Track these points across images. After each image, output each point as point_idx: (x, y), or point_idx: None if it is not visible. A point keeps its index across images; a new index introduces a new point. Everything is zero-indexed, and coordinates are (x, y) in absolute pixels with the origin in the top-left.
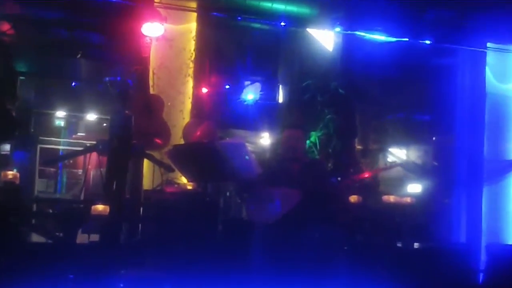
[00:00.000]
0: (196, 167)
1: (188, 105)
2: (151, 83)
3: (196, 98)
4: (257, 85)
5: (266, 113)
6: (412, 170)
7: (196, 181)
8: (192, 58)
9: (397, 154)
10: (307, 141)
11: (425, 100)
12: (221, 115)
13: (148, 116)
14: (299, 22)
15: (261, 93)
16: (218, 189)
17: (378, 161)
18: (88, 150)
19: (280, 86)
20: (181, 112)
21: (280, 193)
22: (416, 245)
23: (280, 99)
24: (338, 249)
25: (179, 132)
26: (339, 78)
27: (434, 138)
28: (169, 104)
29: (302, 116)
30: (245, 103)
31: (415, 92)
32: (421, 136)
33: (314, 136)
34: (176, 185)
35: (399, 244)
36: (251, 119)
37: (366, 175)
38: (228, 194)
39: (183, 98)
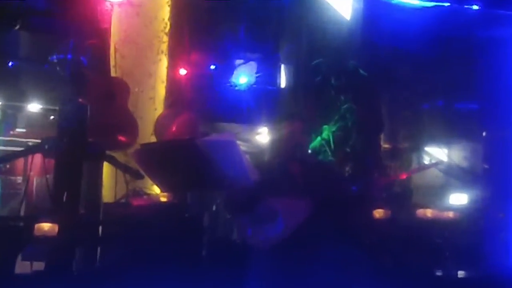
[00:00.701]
0: (172, 172)
1: (161, 91)
2: (112, 62)
3: (172, 82)
4: (253, 65)
5: (264, 102)
6: (456, 176)
7: (172, 191)
8: (167, 30)
9: (436, 154)
10: (318, 138)
11: (472, 83)
12: (205, 104)
13: (108, 106)
14: None
15: (257, 75)
16: (201, 202)
17: (411, 163)
18: (30, 150)
19: (283, 66)
20: (152, 100)
21: (283, 206)
22: (461, 273)
23: (282, 83)
24: (359, 279)
25: (150, 126)
26: (359, 56)
27: (484, 134)
28: (136, 90)
29: (310, 106)
30: (237, 88)
31: (459, 73)
32: (467, 131)
33: (326, 131)
34: (145, 197)
35: (438, 273)
36: (244, 110)
37: (395, 179)
38: (214, 208)
39: (155, 82)
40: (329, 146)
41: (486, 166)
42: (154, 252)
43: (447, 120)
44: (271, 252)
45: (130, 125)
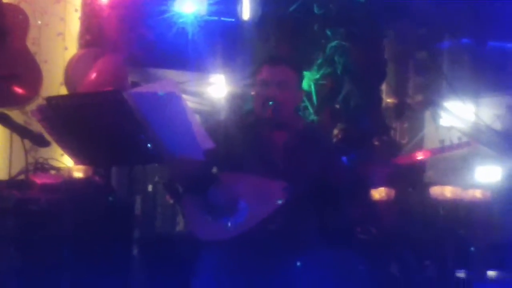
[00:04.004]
0: (91, 137)
1: (74, 23)
2: None
3: (89, 11)
4: None
5: (219, 40)
6: (485, 141)
7: (90, 164)
8: None
9: (460, 113)
10: None
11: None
12: (136, 42)
13: None
14: None
15: (210, 2)
16: (132, 180)
17: (424, 125)
18: None
19: None
20: (61, 36)
21: (248, 187)
22: (491, 274)
23: (246, 14)
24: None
25: (59, 73)
26: None
27: None
28: (39, 23)
29: (285, 46)
30: (181, 21)
31: None
32: (502, 79)
33: (307, 80)
34: (53, 172)
35: (460, 274)
36: (191, 51)
37: (406, 161)
38: (150, 189)
39: (65, 10)
40: (311, 100)
41: None
42: (67, 248)
43: (476, 64)
44: (229, 251)
45: (29, 72)
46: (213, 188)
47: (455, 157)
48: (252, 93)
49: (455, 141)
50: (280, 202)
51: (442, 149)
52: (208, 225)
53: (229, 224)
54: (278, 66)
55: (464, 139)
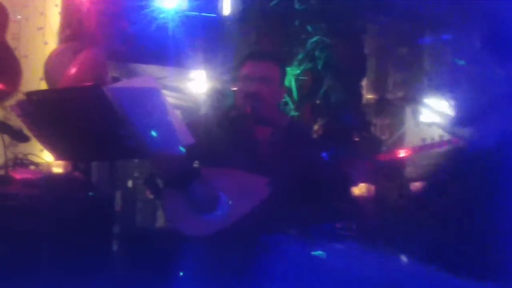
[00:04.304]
0: (71, 132)
1: (54, 18)
2: None
3: (69, 6)
4: None
5: (200, 35)
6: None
7: (70, 159)
8: None
9: (439, 108)
10: None
11: (499, 10)
12: (117, 37)
13: None
14: None
15: None
16: (112, 175)
17: (405, 121)
18: None
19: None
20: (41, 31)
21: (229, 182)
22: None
23: (226, 9)
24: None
25: (39, 68)
26: None
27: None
28: (19, 17)
29: (265, 41)
30: (162, 16)
31: None
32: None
33: (288, 76)
34: (32, 167)
35: (439, 268)
36: (171, 46)
37: (387, 158)
38: (130, 184)
39: (44, 5)
40: (291, 96)
41: None
42: (43, 247)
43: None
44: (210, 246)
45: (9, 67)
46: (193, 183)
47: (436, 152)
48: (234, 88)
49: (437, 138)
50: (261, 197)
51: (424, 147)
52: (189, 220)
53: (210, 219)
54: (262, 62)
55: (446, 136)
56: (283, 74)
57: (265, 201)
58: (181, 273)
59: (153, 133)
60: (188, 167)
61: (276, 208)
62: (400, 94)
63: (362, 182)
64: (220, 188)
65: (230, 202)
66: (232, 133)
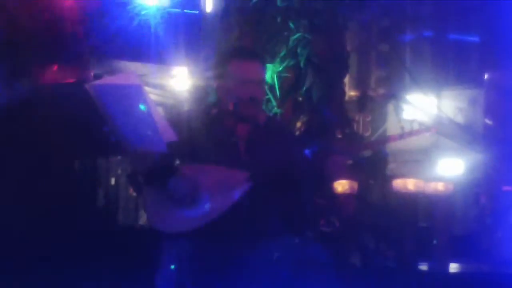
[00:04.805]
0: (52, 129)
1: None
2: None
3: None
4: None
5: (181, 32)
6: (447, 134)
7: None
8: None
9: (421, 105)
10: None
11: (472, 8)
12: (97, 33)
13: None
14: None
15: None
16: (94, 172)
17: (387, 118)
18: None
19: None
20: None
21: (210, 178)
22: (453, 267)
23: (209, 6)
24: (316, 278)
25: None
26: None
27: (486, 77)
28: None
29: (247, 38)
30: (144, 13)
31: None
32: (464, 72)
33: (270, 72)
34: None
35: (423, 266)
36: (153, 43)
37: (366, 147)
38: (112, 181)
39: None
40: (274, 93)
41: (488, 122)
42: (24, 246)
43: (437, 58)
44: (191, 242)
45: None
46: (174, 179)
47: (419, 149)
48: (215, 85)
49: (416, 128)
50: (241, 193)
51: (402, 135)
52: (170, 217)
53: (191, 215)
54: (250, 61)
55: (422, 125)
56: (265, 72)
57: (245, 197)
58: (161, 269)
59: (135, 130)
60: (169, 163)
61: (256, 204)
62: (381, 90)
63: (344, 178)
64: (201, 184)
65: (210, 198)
66: (213, 130)
